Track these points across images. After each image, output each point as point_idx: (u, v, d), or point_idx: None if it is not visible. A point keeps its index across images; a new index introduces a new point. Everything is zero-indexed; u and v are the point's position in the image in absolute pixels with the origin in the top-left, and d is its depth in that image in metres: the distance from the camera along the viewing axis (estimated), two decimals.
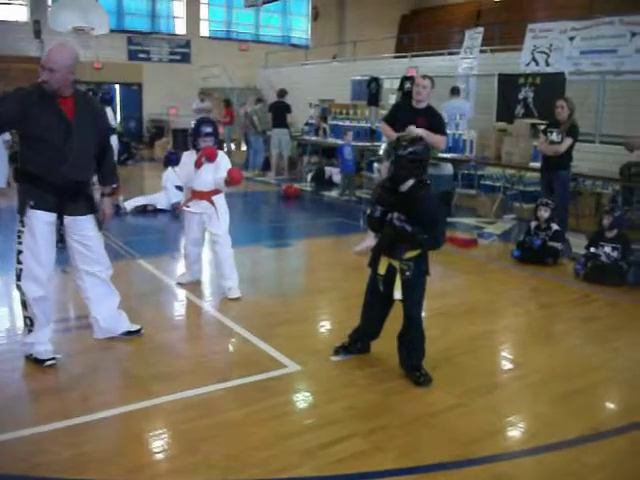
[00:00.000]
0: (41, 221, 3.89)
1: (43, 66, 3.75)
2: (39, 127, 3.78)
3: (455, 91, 12.07)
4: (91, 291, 4.28)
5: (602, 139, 9.79)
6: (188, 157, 5.48)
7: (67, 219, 4.00)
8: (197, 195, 5.46)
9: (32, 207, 3.85)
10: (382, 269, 3.98)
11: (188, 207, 5.54)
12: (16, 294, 4.14)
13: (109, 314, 4.41)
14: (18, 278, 3.93)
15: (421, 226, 3.75)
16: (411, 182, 3.84)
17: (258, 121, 14.66)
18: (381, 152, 3.94)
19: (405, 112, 6.96)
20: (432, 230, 3.79)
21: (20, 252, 3.89)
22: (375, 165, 3.72)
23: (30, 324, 4.00)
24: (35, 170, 3.86)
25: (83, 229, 4.09)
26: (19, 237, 3.89)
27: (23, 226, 3.88)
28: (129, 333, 4.51)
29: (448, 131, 10.89)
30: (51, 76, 3.73)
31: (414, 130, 6.35)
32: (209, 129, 5.36)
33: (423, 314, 4.01)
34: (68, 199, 3.96)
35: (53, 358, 4.03)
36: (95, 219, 4.17)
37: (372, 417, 3.50)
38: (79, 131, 3.91)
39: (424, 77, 6.99)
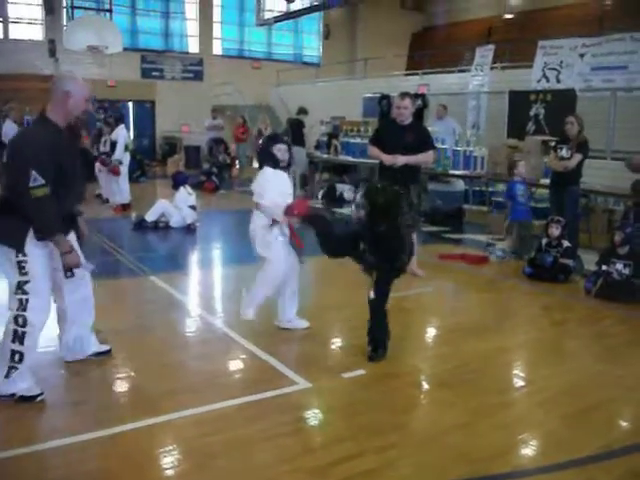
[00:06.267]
0: (48, 247, 3.74)
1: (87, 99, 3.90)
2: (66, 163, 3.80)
3: (445, 109, 12.42)
4: (69, 310, 4.14)
5: (613, 155, 9.76)
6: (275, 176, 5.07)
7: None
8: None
9: (39, 238, 3.65)
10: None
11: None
12: None
13: (81, 334, 4.28)
14: (23, 309, 3.67)
15: (384, 259, 4.30)
16: (383, 227, 4.23)
17: None
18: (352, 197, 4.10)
19: (392, 131, 6.74)
20: (393, 262, 4.36)
21: (26, 282, 3.65)
22: (356, 199, 4.00)
23: (19, 360, 3.70)
24: None
25: None
26: (23, 268, 3.63)
27: (25, 255, 3.63)
28: (99, 354, 4.40)
29: (444, 146, 11.07)
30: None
31: (399, 160, 6.36)
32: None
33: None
34: (67, 225, 3.92)
35: (42, 393, 3.78)
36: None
37: (383, 435, 3.49)
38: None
39: (403, 97, 6.59)
